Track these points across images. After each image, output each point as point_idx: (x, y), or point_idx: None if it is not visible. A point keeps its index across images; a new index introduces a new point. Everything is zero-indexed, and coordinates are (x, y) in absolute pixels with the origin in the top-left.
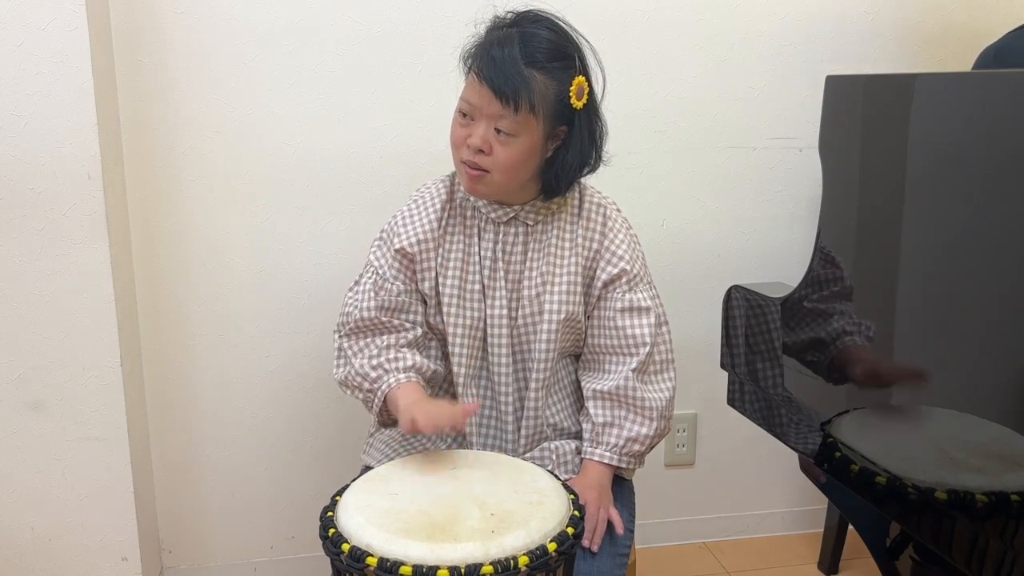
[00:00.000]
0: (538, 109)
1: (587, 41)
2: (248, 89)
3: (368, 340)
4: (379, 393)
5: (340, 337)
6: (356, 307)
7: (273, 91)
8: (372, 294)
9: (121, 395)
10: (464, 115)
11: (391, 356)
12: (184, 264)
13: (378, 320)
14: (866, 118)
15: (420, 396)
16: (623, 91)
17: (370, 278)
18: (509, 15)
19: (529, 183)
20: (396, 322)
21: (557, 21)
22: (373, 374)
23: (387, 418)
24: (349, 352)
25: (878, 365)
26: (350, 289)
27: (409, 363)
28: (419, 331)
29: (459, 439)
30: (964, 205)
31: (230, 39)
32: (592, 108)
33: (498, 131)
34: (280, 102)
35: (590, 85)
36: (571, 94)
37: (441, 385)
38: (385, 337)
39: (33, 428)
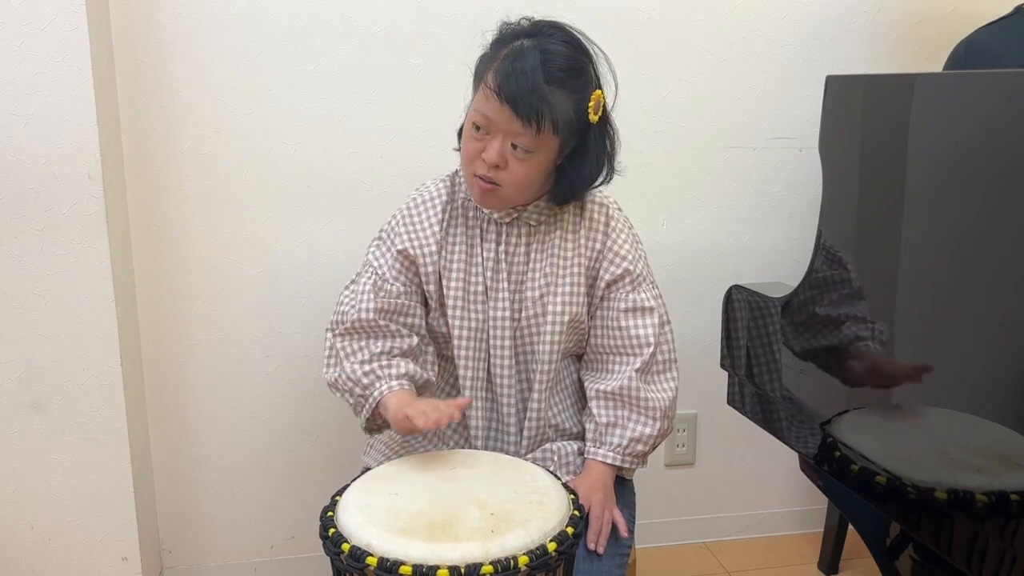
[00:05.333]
0: (558, 127)
1: (601, 50)
2: (248, 89)
3: (363, 343)
4: (370, 400)
5: (334, 336)
6: (354, 307)
7: (273, 91)
8: (372, 295)
9: (121, 395)
10: (478, 128)
11: (384, 363)
12: (184, 264)
13: (376, 324)
14: (866, 118)
15: (412, 398)
16: (623, 91)
17: (370, 278)
18: (524, 21)
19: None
20: (394, 327)
21: (573, 32)
22: (365, 380)
23: (374, 424)
24: (342, 353)
25: (885, 365)
26: (346, 288)
27: (402, 371)
28: (415, 339)
29: (461, 440)
30: (964, 205)
31: (230, 39)
32: (606, 120)
33: (514, 146)
34: (280, 102)
35: (604, 97)
36: (589, 109)
37: (443, 387)
38: (381, 342)
39: (33, 428)
